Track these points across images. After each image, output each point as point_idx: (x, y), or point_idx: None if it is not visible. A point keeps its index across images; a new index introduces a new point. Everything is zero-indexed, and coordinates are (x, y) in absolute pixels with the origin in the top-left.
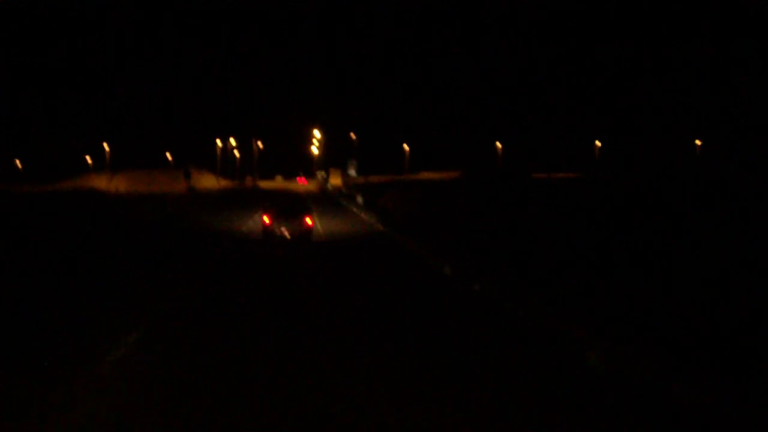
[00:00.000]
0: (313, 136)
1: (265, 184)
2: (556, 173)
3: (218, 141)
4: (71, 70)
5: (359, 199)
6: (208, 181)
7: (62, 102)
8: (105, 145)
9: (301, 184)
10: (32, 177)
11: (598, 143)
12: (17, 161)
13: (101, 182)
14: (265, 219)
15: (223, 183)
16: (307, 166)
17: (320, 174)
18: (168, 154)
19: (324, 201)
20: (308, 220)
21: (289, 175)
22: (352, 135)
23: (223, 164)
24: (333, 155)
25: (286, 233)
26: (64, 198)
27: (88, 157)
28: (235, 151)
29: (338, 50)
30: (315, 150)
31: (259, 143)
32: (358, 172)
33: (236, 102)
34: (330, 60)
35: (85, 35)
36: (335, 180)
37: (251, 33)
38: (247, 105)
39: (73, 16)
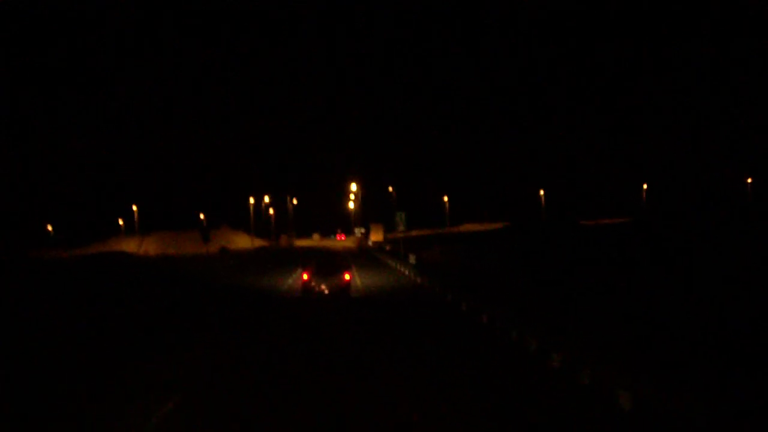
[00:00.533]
0: (350, 191)
1: (301, 243)
2: (602, 218)
3: (251, 199)
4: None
5: (411, 259)
6: (242, 241)
7: (92, 157)
8: (134, 207)
9: (340, 240)
10: (63, 241)
11: (645, 186)
12: (48, 226)
13: (131, 245)
14: (304, 276)
15: (258, 243)
16: (344, 222)
17: (359, 231)
18: (202, 215)
19: (365, 259)
20: (347, 276)
21: (326, 233)
22: (391, 189)
23: (257, 223)
24: (370, 210)
25: (325, 289)
26: (92, 262)
27: (120, 220)
28: (270, 210)
29: (373, 100)
30: (351, 205)
31: (294, 200)
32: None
33: (269, 157)
34: (364, 109)
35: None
36: (376, 236)
37: (282, 87)
38: (281, 160)
39: (93, 22)
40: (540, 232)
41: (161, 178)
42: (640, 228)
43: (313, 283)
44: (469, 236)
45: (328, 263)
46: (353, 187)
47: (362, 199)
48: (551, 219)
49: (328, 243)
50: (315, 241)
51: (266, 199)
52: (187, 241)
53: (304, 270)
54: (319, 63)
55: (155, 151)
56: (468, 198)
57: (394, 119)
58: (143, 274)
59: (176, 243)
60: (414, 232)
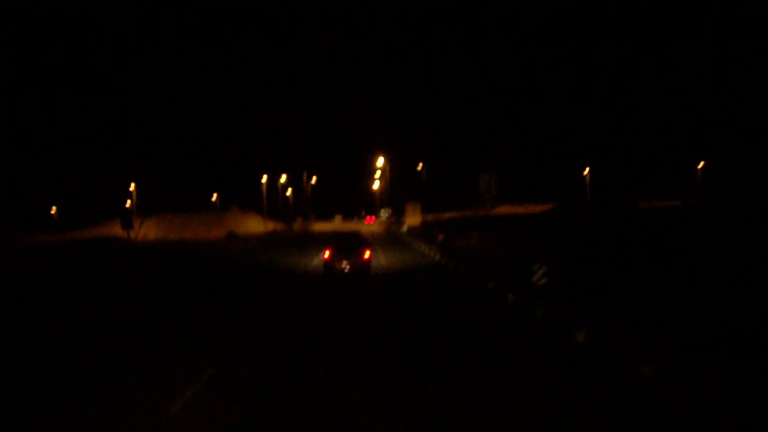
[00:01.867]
0: (375, 168)
1: (320, 227)
2: (655, 201)
3: (264, 177)
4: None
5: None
6: (254, 224)
7: (94, 140)
8: (132, 185)
9: (368, 224)
10: (66, 225)
11: (700, 165)
12: (54, 208)
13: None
14: (326, 254)
15: (272, 226)
16: (369, 203)
17: (384, 212)
18: (215, 195)
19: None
20: (366, 254)
21: (350, 215)
22: (420, 166)
23: (274, 204)
24: (398, 190)
25: (346, 267)
26: (73, 249)
27: (129, 201)
28: (288, 190)
29: (403, 71)
30: (377, 184)
31: (313, 179)
32: (426, 209)
33: (287, 131)
34: (393, 82)
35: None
36: (413, 218)
37: (301, 56)
38: (300, 135)
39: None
40: (596, 215)
41: (170, 155)
42: (706, 211)
43: (334, 262)
44: (508, 218)
45: (348, 242)
46: (380, 162)
47: (390, 178)
48: (606, 200)
49: (351, 227)
50: (336, 224)
51: (283, 178)
52: (193, 225)
53: (326, 248)
54: (381, 86)
55: (165, 131)
56: (504, 178)
57: (420, 92)
58: (119, 265)
59: (181, 226)
60: (446, 215)
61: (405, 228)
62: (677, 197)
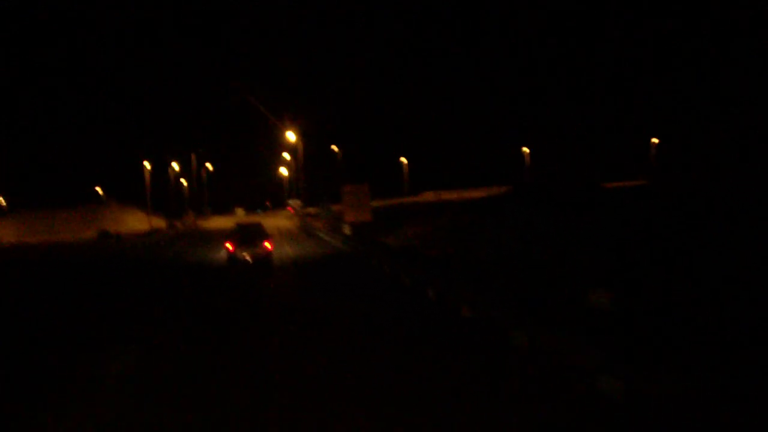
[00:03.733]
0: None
1: (216, 222)
2: (615, 181)
3: (146, 164)
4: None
5: None
6: (136, 221)
7: None
8: None
9: (287, 214)
10: None
11: (654, 141)
12: None
13: None
14: (228, 246)
15: (157, 223)
16: (277, 192)
17: (294, 203)
18: (99, 189)
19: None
20: (267, 245)
21: (253, 208)
22: (336, 148)
23: (162, 197)
24: (311, 176)
25: (248, 258)
26: None
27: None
28: (182, 180)
29: (312, 43)
30: (285, 171)
31: (208, 165)
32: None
33: (176, 111)
34: (301, 53)
35: None
36: (359, 211)
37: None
38: (189, 115)
39: None
40: (557, 198)
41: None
42: (668, 191)
43: (236, 254)
44: (449, 206)
45: (250, 234)
46: (291, 137)
47: (298, 164)
48: (562, 181)
49: (257, 221)
50: (238, 217)
51: (175, 166)
52: (60, 224)
53: (228, 240)
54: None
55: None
56: (428, 162)
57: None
58: None
59: (47, 226)
60: (374, 203)
61: (347, 229)
62: (628, 178)
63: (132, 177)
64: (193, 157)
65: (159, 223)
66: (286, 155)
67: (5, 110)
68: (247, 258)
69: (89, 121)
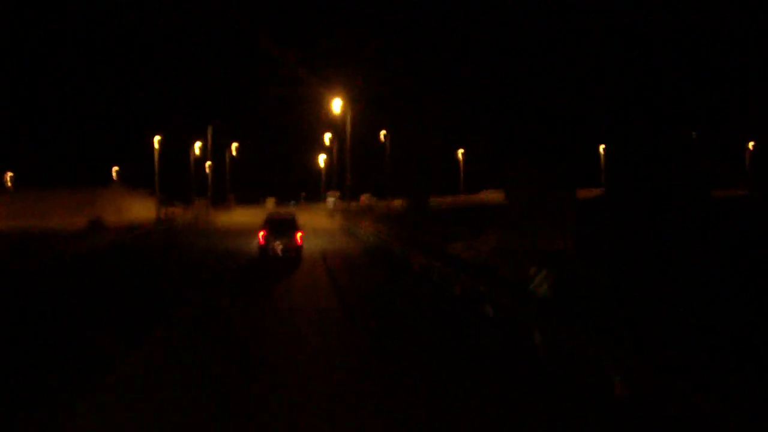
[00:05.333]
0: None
1: (237, 216)
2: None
3: (155, 141)
4: None
5: None
6: (141, 209)
7: None
8: None
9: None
10: None
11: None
12: None
13: None
14: (260, 237)
15: (172, 211)
16: (313, 181)
17: (332, 197)
18: (115, 169)
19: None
20: (298, 238)
21: (285, 199)
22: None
23: (185, 180)
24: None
25: (279, 250)
26: None
27: None
28: (207, 163)
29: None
30: (323, 158)
31: (234, 147)
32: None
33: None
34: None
35: None
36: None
37: None
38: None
39: None
40: (663, 208)
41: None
42: None
43: (267, 245)
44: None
45: (281, 226)
46: (336, 107)
47: (338, 151)
48: (662, 187)
49: (291, 213)
50: (267, 210)
51: (197, 148)
52: (49, 207)
53: (260, 230)
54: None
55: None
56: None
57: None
58: None
59: (41, 210)
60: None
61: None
62: (722, 185)
63: (147, 158)
64: (209, 132)
65: (175, 210)
66: (327, 138)
67: (21, 83)
68: (278, 251)
69: (110, 96)
